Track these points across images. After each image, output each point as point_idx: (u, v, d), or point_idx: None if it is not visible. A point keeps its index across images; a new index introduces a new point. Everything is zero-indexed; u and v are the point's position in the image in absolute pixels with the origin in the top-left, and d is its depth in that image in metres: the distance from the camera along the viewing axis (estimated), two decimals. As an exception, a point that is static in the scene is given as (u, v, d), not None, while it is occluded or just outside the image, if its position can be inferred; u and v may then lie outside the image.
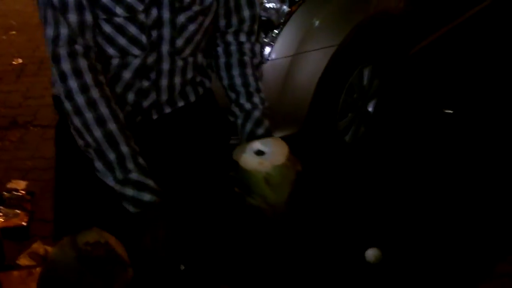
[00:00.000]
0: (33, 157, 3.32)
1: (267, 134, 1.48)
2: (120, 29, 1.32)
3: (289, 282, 2.42)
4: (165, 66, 1.39)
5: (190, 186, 1.54)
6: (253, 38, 1.52)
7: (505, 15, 4.56)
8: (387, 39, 3.28)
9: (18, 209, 2.78)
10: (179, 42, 1.38)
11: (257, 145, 1.44)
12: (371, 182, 3.04)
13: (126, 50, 1.34)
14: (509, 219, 2.76)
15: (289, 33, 2.79)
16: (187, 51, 1.41)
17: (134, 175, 1.26)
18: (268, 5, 2.84)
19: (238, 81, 1.50)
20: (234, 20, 1.49)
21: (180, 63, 1.41)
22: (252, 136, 1.47)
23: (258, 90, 1.50)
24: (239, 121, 1.49)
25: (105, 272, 1.17)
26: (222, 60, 1.52)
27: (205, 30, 1.43)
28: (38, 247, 2.42)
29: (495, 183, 3.00)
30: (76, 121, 1.27)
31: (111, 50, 1.34)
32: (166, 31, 1.35)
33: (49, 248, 2.33)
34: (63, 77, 1.26)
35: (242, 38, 1.51)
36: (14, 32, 5.20)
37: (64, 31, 1.25)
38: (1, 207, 2.78)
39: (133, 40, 1.33)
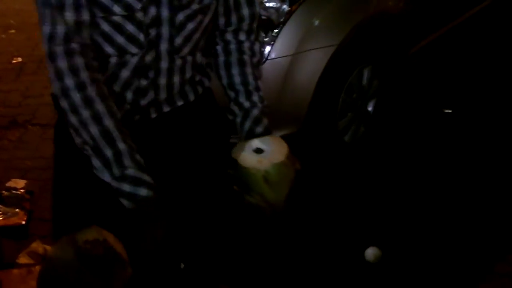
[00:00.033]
0: (33, 156, 3.32)
1: (266, 132, 1.48)
2: (118, 28, 1.31)
3: (288, 281, 2.42)
4: (164, 64, 1.39)
5: (189, 185, 1.54)
6: (252, 37, 1.52)
7: (505, 15, 4.56)
8: (386, 39, 3.28)
9: (17, 208, 2.78)
10: (178, 40, 1.38)
11: (256, 143, 1.44)
12: (370, 181, 3.04)
13: (124, 49, 1.34)
14: (509, 219, 2.76)
15: (289, 33, 2.80)
16: (186, 49, 1.41)
17: (131, 171, 1.26)
18: (268, 4, 2.84)
19: (237, 79, 1.50)
20: (234, 19, 1.49)
21: (178, 61, 1.41)
22: (251, 135, 1.47)
23: (257, 89, 1.50)
24: (238, 120, 1.49)
25: (104, 270, 1.17)
26: (221, 58, 1.52)
27: (204, 29, 1.43)
28: (37, 246, 2.42)
29: (495, 183, 3.00)
30: (73, 119, 1.27)
31: (109, 49, 1.34)
32: (165, 30, 1.35)
33: (48, 247, 2.33)
34: (59, 75, 1.26)
35: (242, 36, 1.51)
36: (13, 31, 5.20)
37: (60, 29, 1.25)
38: (0, 206, 2.78)
39: (131, 39, 1.33)
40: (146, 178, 1.28)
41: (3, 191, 2.89)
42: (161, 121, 1.47)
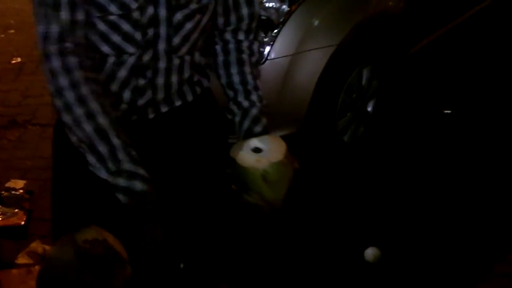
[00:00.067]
0: (32, 156, 3.32)
1: (265, 131, 1.48)
2: (114, 27, 1.31)
3: (287, 281, 2.42)
4: (162, 64, 1.39)
5: (188, 185, 1.54)
6: (251, 37, 1.52)
7: (505, 15, 4.56)
8: (386, 39, 3.28)
9: (17, 208, 2.78)
10: (176, 40, 1.37)
11: (254, 142, 1.44)
12: (370, 181, 3.04)
13: (121, 48, 1.34)
14: (509, 219, 2.76)
15: (288, 33, 2.80)
16: (184, 49, 1.40)
17: (126, 165, 1.26)
18: (267, 4, 2.84)
19: (236, 79, 1.50)
20: (233, 18, 1.49)
21: (176, 61, 1.41)
22: (250, 134, 1.47)
23: (256, 88, 1.50)
24: (237, 119, 1.49)
25: (103, 270, 1.17)
26: (220, 58, 1.52)
27: (203, 28, 1.43)
28: (37, 246, 2.42)
29: (495, 183, 3.00)
30: (67, 118, 1.27)
31: (106, 48, 1.34)
32: (163, 29, 1.35)
33: (47, 247, 2.34)
34: (53, 74, 1.26)
35: (241, 36, 1.51)
36: (12, 31, 5.20)
37: (55, 28, 1.25)
38: (0, 206, 2.78)
39: (127, 38, 1.33)
40: (141, 171, 1.28)
41: (3, 192, 2.89)
42: (159, 122, 1.47)
